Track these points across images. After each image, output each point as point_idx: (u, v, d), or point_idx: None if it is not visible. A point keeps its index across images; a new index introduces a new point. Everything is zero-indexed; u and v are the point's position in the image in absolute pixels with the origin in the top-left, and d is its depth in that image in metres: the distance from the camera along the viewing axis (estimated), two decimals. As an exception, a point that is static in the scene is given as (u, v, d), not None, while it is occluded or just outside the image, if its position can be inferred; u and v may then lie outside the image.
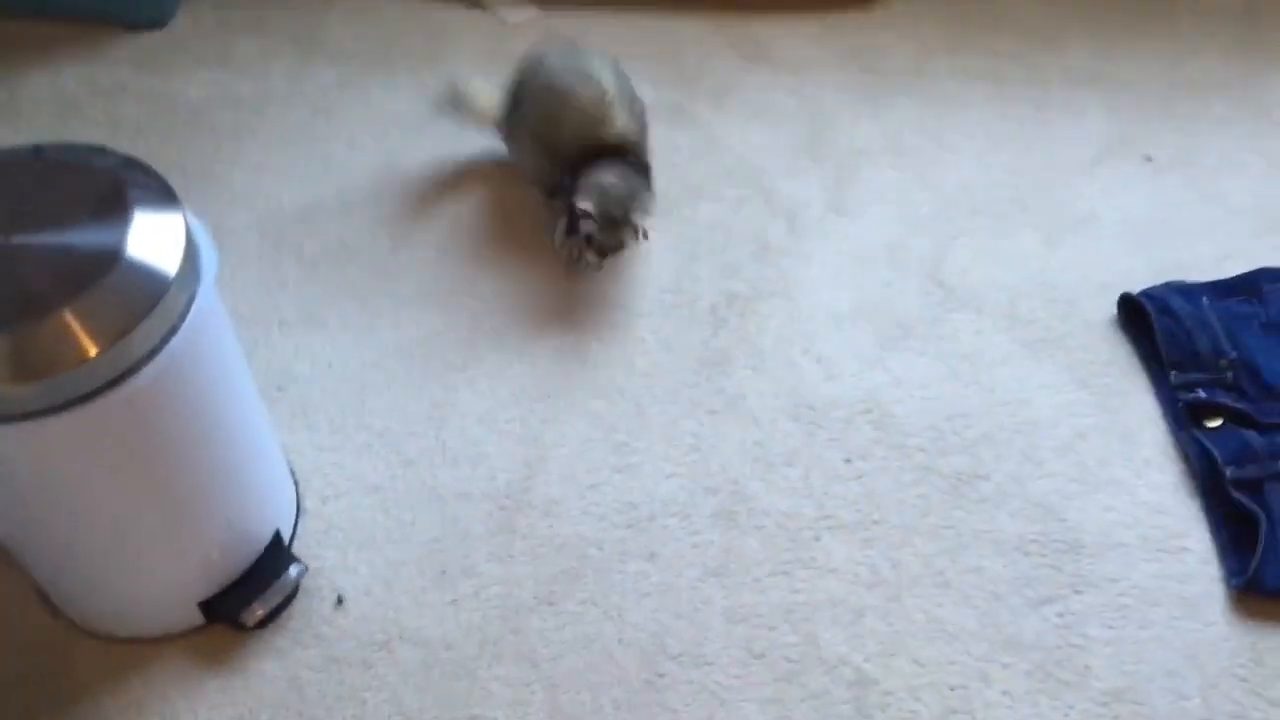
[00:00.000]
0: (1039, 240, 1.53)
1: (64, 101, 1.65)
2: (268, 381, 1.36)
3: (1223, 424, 1.31)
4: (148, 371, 0.93)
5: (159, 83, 1.68)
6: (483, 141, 1.62)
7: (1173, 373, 1.36)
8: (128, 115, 1.64)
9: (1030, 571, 1.23)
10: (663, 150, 1.62)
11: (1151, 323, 1.39)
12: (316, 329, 1.42)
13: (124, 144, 1.57)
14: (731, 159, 1.61)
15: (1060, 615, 1.19)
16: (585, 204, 1.38)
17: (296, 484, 1.27)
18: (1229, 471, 1.26)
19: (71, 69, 1.69)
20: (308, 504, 1.26)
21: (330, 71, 1.71)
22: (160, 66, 1.71)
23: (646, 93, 1.69)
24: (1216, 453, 1.28)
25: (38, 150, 1.00)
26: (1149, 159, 1.63)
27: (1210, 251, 1.52)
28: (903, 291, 1.48)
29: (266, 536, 1.17)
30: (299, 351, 1.39)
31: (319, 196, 1.56)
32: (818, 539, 1.25)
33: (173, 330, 0.94)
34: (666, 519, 1.26)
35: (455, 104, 1.57)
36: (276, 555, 1.18)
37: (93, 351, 0.89)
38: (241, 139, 1.62)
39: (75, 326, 0.89)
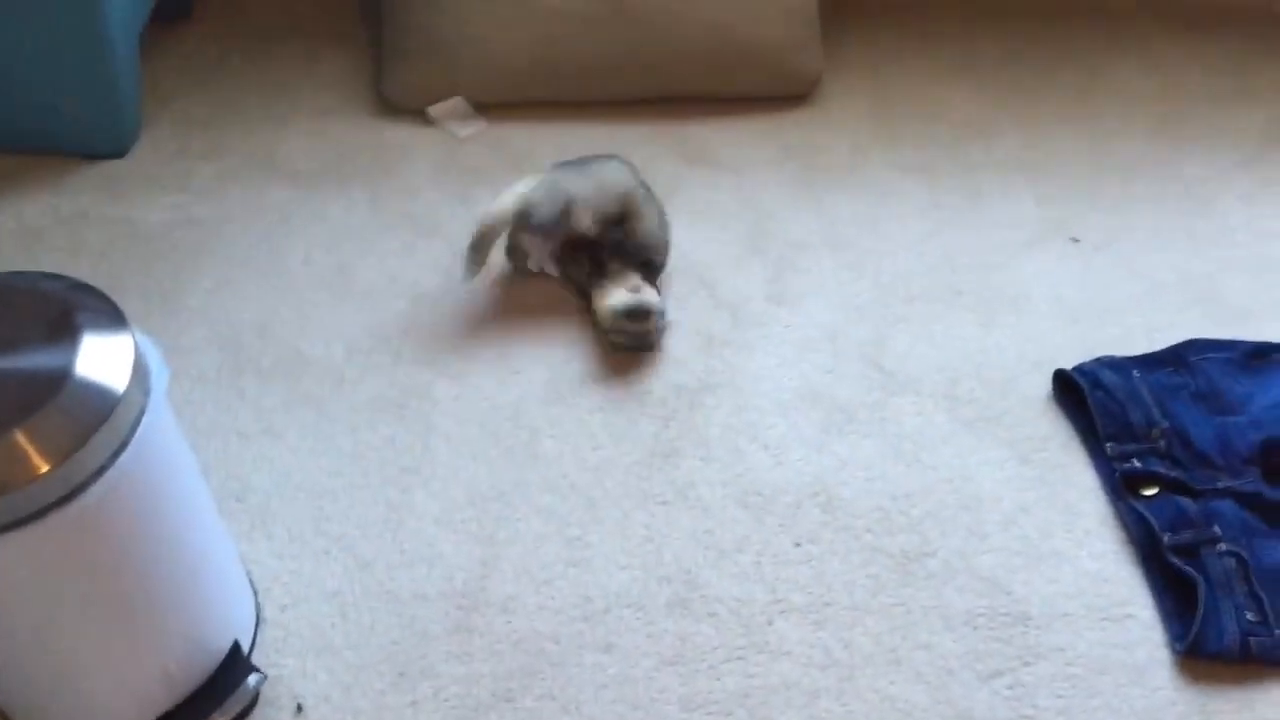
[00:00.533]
0: (974, 322, 1.59)
1: (27, 231, 1.70)
2: (226, 492, 1.38)
3: (1158, 492, 1.35)
4: (98, 488, 0.95)
5: (120, 209, 1.73)
6: (432, 253, 1.67)
7: (1108, 444, 1.41)
8: (90, 242, 1.69)
9: (980, 645, 1.25)
10: (609, 251, 1.68)
11: (1085, 397, 1.44)
12: (274, 439, 1.45)
13: (86, 270, 1.64)
14: (676, 256, 1.67)
15: (1011, 688, 1.21)
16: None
17: (255, 593, 1.29)
18: (1166, 538, 1.30)
19: (34, 199, 1.74)
20: (267, 612, 1.28)
21: (286, 190, 1.77)
22: (121, 193, 1.76)
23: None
24: (1153, 520, 1.32)
25: (-10, 278, 1.04)
26: (1077, 240, 1.70)
27: (1139, 325, 1.57)
28: (844, 377, 1.52)
29: (225, 647, 1.18)
30: (257, 462, 1.42)
31: (275, 310, 1.60)
32: (770, 623, 1.27)
33: (122, 445, 0.97)
34: (621, 610, 1.28)
35: (480, 246, 1.60)
36: (235, 665, 1.19)
37: (43, 469, 0.92)
38: (200, 259, 1.67)
39: (26, 446, 0.91)
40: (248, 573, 1.30)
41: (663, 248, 1.60)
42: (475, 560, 1.33)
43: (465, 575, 1.31)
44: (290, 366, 1.53)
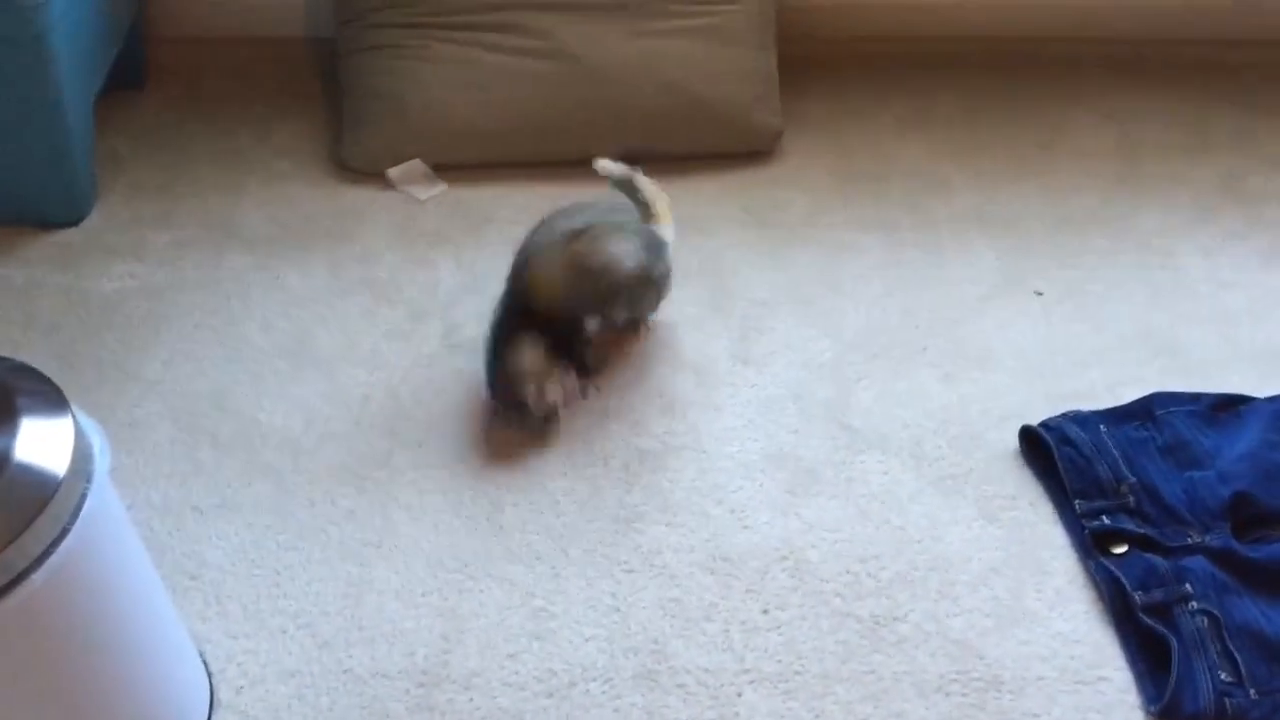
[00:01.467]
0: (938, 378, 1.58)
1: (-23, 302, 1.67)
2: (180, 570, 1.35)
3: (1129, 550, 1.34)
4: (39, 575, 0.92)
5: (73, 278, 1.70)
6: (393, 319, 1.65)
7: (1077, 501, 1.39)
8: (42, 312, 1.65)
9: (953, 712, 1.23)
10: (571, 314, 1.66)
11: (1053, 453, 1.43)
12: (230, 513, 1.41)
13: (39, 341, 1.61)
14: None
15: (985, 755, 1.19)
16: None
17: (210, 675, 1.25)
18: (1138, 597, 1.28)
19: (-15, 270, 1.72)
20: (222, 695, 1.24)
21: (243, 257, 1.75)
22: (74, 262, 1.73)
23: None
24: (1124, 579, 1.30)
25: (-72, 361, 1.01)
26: (1040, 293, 1.70)
27: (1103, 379, 1.57)
28: (810, 436, 1.51)
29: (177, 734, 1.15)
30: (212, 538, 1.39)
31: (233, 380, 1.57)
32: (740, 694, 1.24)
33: (64, 532, 0.94)
34: (587, 684, 1.25)
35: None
36: (188, 753, 1.15)
37: (-17, 558, 0.89)
38: (156, 328, 1.64)
39: (-38, 536, 0.89)
40: (201, 654, 1.26)
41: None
42: (437, 635, 1.30)
43: (427, 651, 1.28)
44: (248, 437, 1.50)
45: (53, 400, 0.99)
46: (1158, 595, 1.29)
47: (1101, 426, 1.46)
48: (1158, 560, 1.32)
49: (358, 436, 1.50)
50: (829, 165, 1.93)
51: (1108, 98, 2.07)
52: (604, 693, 1.25)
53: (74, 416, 0.98)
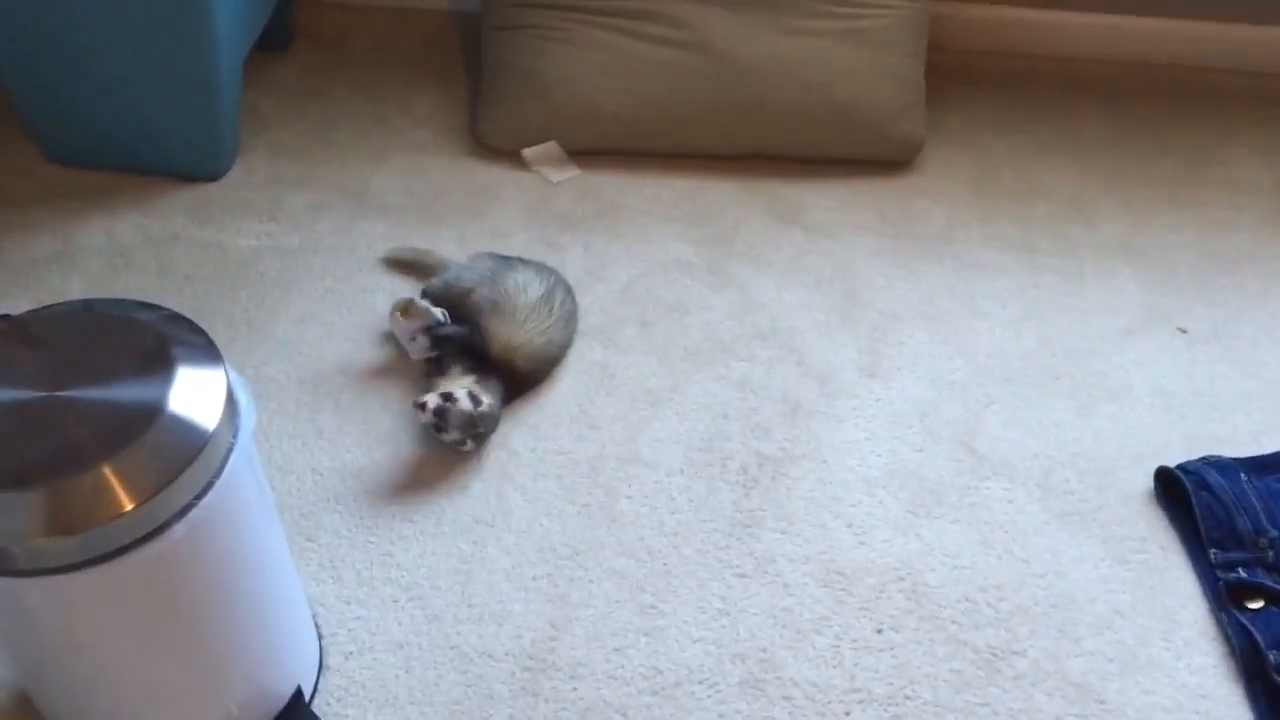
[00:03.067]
0: (1072, 409, 1.53)
1: (117, 250, 1.70)
2: (298, 532, 1.36)
3: (1264, 605, 1.29)
4: (180, 527, 0.93)
5: (210, 233, 1.73)
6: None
7: (1212, 551, 1.34)
8: (178, 265, 1.68)
9: (1068, 755, 1.19)
10: (697, 308, 1.65)
11: (1189, 498, 1.38)
12: (349, 479, 1.42)
13: (172, 292, 1.64)
14: (765, 319, 1.63)
15: (1100, 803, 1.15)
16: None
17: (321, 638, 1.26)
18: (1272, 656, 1.23)
19: (126, 219, 1.75)
20: (330, 660, 1.25)
21: (378, 225, 1.76)
22: (212, 217, 1.76)
23: (684, 251, 1.73)
24: (1259, 636, 1.25)
25: (88, 305, 1.03)
26: (1184, 330, 1.64)
27: (1247, 426, 1.51)
28: (935, 457, 1.47)
29: (287, 693, 1.16)
30: (331, 501, 1.40)
31: (359, 347, 1.58)
32: (848, 713, 1.22)
33: (208, 486, 0.95)
34: (692, 686, 1.24)
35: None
36: (296, 712, 1.16)
37: (128, 506, 0.90)
38: (288, 290, 1.66)
39: (112, 481, 0.90)
40: (314, 616, 1.27)
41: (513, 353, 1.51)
42: (545, 620, 1.29)
43: (534, 635, 1.28)
44: (370, 406, 1.51)
45: (207, 352, 1.00)
46: (1294, 657, 1.23)
47: (1243, 475, 1.40)
48: (1295, 620, 1.26)
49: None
50: (969, 179, 1.88)
51: (1262, 132, 1.99)
52: (709, 696, 1.23)
53: (226, 370, 0.99)
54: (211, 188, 1.81)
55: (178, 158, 1.81)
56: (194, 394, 0.96)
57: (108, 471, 0.90)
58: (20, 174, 1.83)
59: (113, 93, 1.73)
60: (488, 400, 1.42)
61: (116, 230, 1.73)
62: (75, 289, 1.64)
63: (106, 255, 1.69)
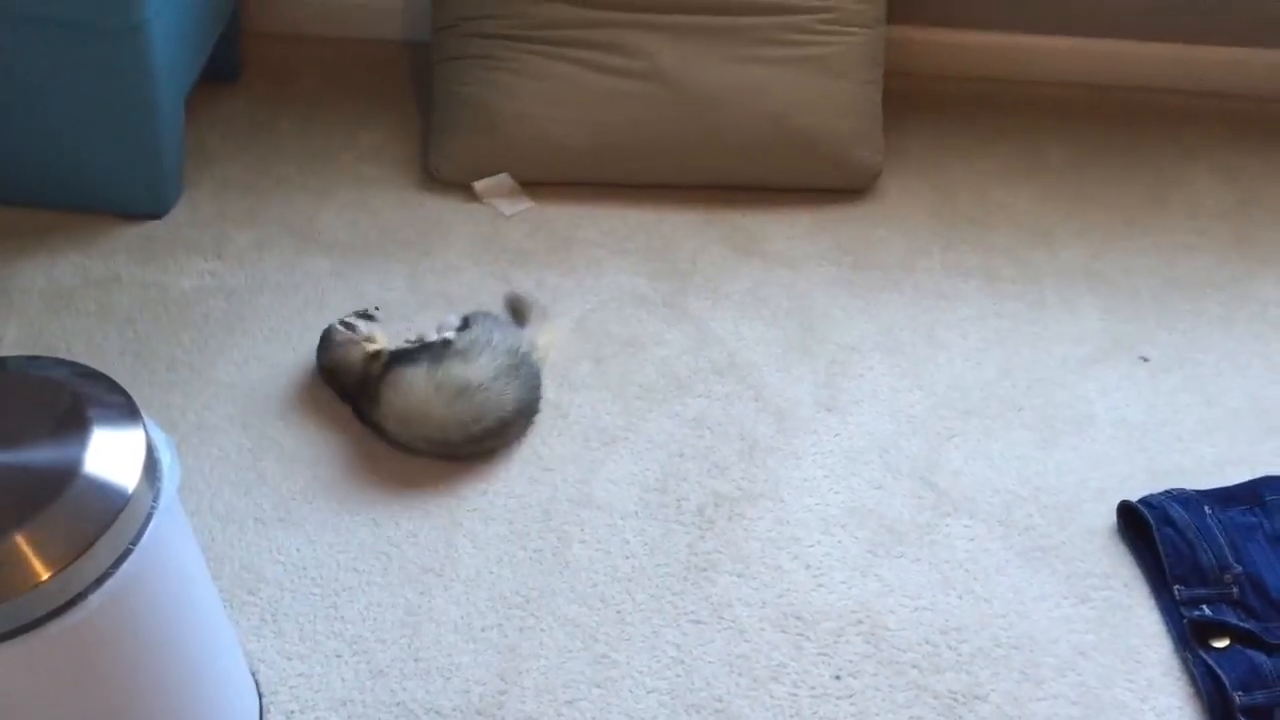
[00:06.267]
0: (1034, 442, 1.50)
1: (56, 291, 1.65)
2: (238, 584, 1.32)
3: (1230, 644, 1.26)
4: (99, 595, 0.89)
5: (153, 273, 1.69)
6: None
7: (1176, 587, 1.31)
8: (119, 306, 1.64)
9: (1032, 804, 1.16)
10: (652, 343, 1.61)
11: (1153, 533, 1.35)
12: (292, 528, 1.38)
13: (113, 336, 1.59)
14: (722, 354, 1.60)
15: None
16: None
17: (261, 697, 1.22)
18: (1238, 698, 1.20)
19: (66, 258, 1.70)
20: (271, 719, 1.20)
21: (323, 262, 1.72)
22: (155, 256, 1.71)
23: (639, 285, 1.70)
24: (1224, 676, 1.22)
25: (1, 363, 0.99)
26: (1146, 359, 1.61)
27: (1211, 455, 1.49)
28: (894, 494, 1.44)
29: (224, 758, 1.11)
30: (273, 552, 1.35)
31: (304, 389, 1.54)
32: (806, 764, 1.19)
33: (127, 552, 0.90)
34: (647, 740, 1.20)
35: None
36: (233, 778, 1.12)
37: (44, 576, 0.86)
38: (232, 330, 1.61)
39: (26, 550, 0.86)
40: (254, 674, 1.23)
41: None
42: (494, 674, 1.25)
43: (483, 690, 1.24)
44: (315, 451, 1.47)
45: (125, 411, 0.95)
46: (1260, 697, 1.20)
47: (1206, 508, 1.38)
48: (1261, 659, 1.24)
49: (426, 460, 1.46)
50: (928, 207, 1.86)
51: (1226, 155, 1.97)
52: (663, 750, 1.20)
53: (146, 429, 0.95)
54: (155, 225, 1.77)
55: (120, 195, 1.77)
56: (111, 456, 0.91)
57: (20, 540, 0.85)
58: (-44, 213, 1.79)
59: (51, 129, 1.69)
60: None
61: (56, 271, 1.68)
62: (12, 334, 1.59)
63: (45, 297, 1.65)
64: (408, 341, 1.53)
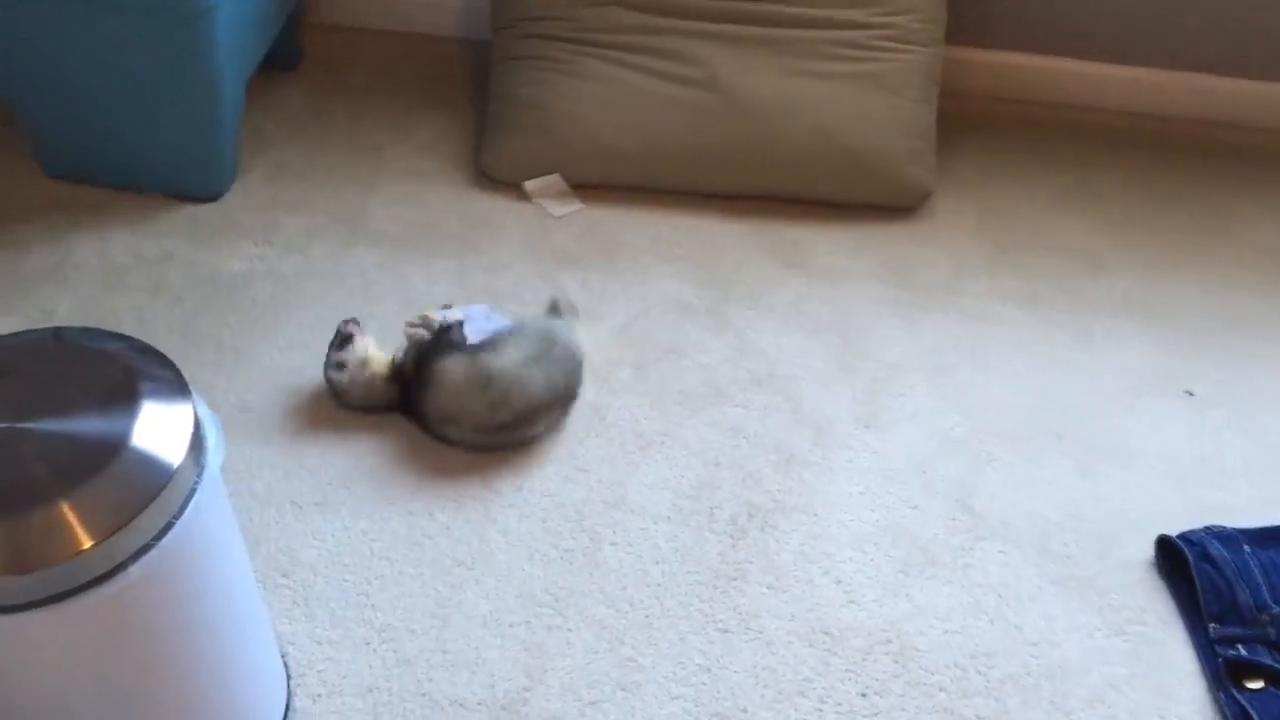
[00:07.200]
0: (1074, 471, 1.49)
1: (109, 268, 1.68)
2: (273, 567, 1.33)
3: (1264, 686, 1.24)
4: (139, 567, 0.90)
5: (204, 255, 1.71)
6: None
7: (1212, 625, 1.30)
8: (170, 285, 1.66)
9: (1054, 835, 1.14)
10: (693, 350, 1.61)
11: (1190, 569, 1.33)
12: (329, 514, 1.39)
13: (162, 312, 1.61)
14: (762, 365, 1.60)
15: None
16: None
17: (289, 679, 1.23)
18: (1271, 740, 1.19)
19: (121, 237, 1.73)
20: (298, 702, 1.21)
21: (371, 253, 1.74)
22: (207, 238, 1.74)
23: (684, 293, 1.70)
24: (1257, 718, 1.20)
25: (57, 334, 1.00)
26: (1191, 394, 1.60)
27: (1253, 494, 1.47)
28: (930, 515, 1.43)
29: (250, 737, 1.12)
30: (308, 537, 1.37)
31: (347, 376, 1.55)
32: (827, 780, 1.18)
33: (169, 525, 0.91)
34: (669, 746, 1.20)
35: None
36: (258, 757, 1.13)
37: (86, 545, 0.87)
38: (278, 314, 1.63)
39: (70, 518, 0.87)
40: (283, 655, 1.24)
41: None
42: (520, 670, 1.25)
43: (508, 686, 1.24)
44: (356, 438, 1.48)
45: (175, 386, 0.97)
46: (1293, 741, 1.19)
47: (1246, 547, 1.36)
48: (1296, 703, 1.22)
49: (463, 452, 1.47)
50: (977, 229, 1.85)
51: (1275, 191, 1.95)
52: (685, 757, 1.19)
53: (194, 405, 0.96)
54: (208, 208, 1.79)
55: (176, 177, 1.79)
56: (159, 430, 0.93)
57: (65, 508, 0.87)
58: (17, 189, 1.81)
59: (114, 111, 1.71)
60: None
61: (110, 249, 1.71)
62: (65, 308, 1.62)
63: (99, 274, 1.67)
64: (410, 326, 1.51)
